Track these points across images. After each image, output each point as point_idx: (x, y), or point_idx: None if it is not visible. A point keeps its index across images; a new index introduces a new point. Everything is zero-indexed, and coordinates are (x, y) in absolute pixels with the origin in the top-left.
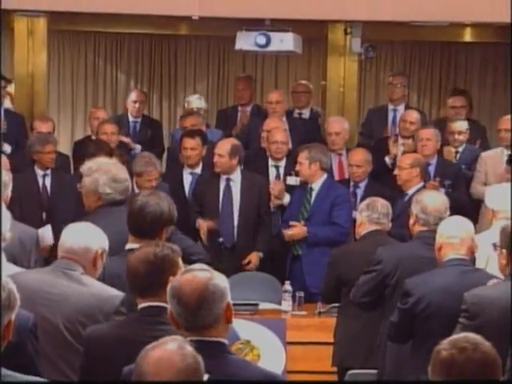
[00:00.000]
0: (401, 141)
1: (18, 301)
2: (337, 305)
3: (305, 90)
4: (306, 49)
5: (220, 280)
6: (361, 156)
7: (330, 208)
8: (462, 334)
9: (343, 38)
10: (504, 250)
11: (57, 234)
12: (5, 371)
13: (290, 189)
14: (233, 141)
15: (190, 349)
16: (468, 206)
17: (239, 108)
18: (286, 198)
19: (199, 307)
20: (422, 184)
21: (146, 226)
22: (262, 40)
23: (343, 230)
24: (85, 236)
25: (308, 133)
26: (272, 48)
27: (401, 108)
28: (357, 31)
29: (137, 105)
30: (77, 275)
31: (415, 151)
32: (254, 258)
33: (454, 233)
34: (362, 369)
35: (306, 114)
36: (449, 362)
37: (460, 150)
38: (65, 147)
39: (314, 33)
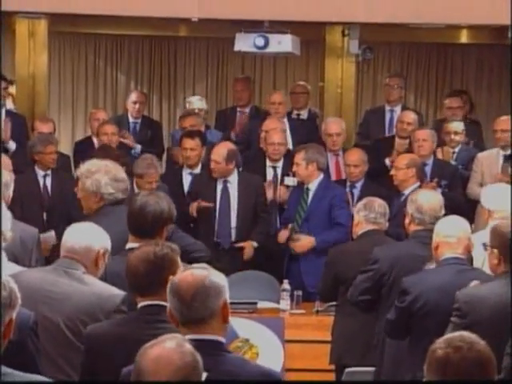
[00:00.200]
0: (397, 141)
1: (19, 299)
2: (334, 303)
3: (303, 91)
4: (304, 50)
5: (217, 278)
6: (357, 156)
7: (329, 208)
8: (458, 333)
9: (341, 40)
10: (495, 250)
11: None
12: (5, 369)
13: (287, 189)
14: (229, 145)
15: (188, 346)
16: (464, 206)
17: (238, 109)
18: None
19: (193, 299)
20: (418, 184)
21: (147, 225)
22: (260, 41)
23: (347, 229)
24: (87, 236)
25: (307, 134)
26: (270, 49)
27: (398, 109)
28: (354, 33)
29: (137, 106)
30: (78, 274)
31: (409, 151)
32: (248, 246)
33: (450, 232)
34: (360, 366)
35: (304, 114)
36: (444, 360)
37: (456, 150)
38: (65, 147)
39: (312, 34)
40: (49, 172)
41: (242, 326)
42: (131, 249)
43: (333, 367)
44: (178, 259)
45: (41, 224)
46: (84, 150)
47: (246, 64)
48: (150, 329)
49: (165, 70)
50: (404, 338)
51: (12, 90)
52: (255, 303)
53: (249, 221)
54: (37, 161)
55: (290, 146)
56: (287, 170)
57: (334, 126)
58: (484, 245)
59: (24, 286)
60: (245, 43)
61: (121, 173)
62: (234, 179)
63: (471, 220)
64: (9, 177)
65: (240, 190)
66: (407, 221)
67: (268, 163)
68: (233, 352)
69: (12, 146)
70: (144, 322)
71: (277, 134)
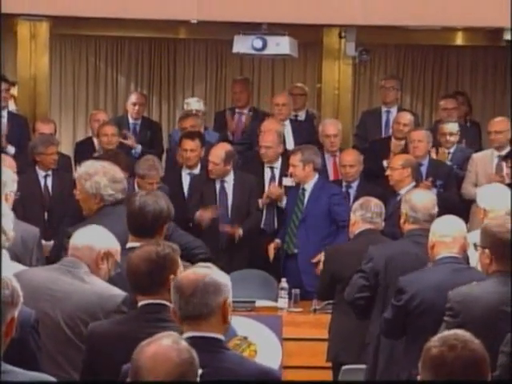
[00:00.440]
0: (393, 142)
1: (21, 298)
2: (331, 302)
3: (301, 93)
4: (302, 52)
5: (219, 276)
6: (353, 156)
7: (327, 207)
8: (452, 331)
9: (338, 42)
10: (487, 250)
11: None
12: (6, 367)
13: (285, 190)
14: (226, 147)
15: (184, 343)
16: (459, 206)
17: (236, 110)
18: (284, 201)
19: (192, 295)
20: (413, 184)
21: (147, 224)
22: (258, 44)
23: None
24: (90, 236)
25: (307, 135)
26: (269, 51)
27: (394, 110)
28: (351, 35)
29: (136, 107)
30: (80, 273)
31: (404, 152)
32: (236, 229)
33: (446, 231)
34: (356, 364)
35: (301, 115)
36: (438, 359)
37: (451, 150)
38: (66, 148)
39: (309, 37)
40: (50, 172)
41: (241, 324)
42: (132, 248)
43: (330, 365)
44: (179, 259)
45: (42, 224)
46: (84, 150)
47: (244, 66)
48: (151, 327)
49: (164, 71)
50: (400, 337)
51: (14, 91)
52: (253, 302)
53: (242, 219)
54: (38, 161)
55: (280, 148)
56: (285, 171)
57: (331, 127)
58: (475, 245)
59: (27, 284)
60: (243, 45)
61: (118, 173)
62: (230, 179)
63: (466, 219)
64: (11, 177)
65: (235, 189)
66: (402, 220)
67: (266, 164)
68: (232, 349)
69: (11, 150)
70: (144, 321)
71: (268, 135)
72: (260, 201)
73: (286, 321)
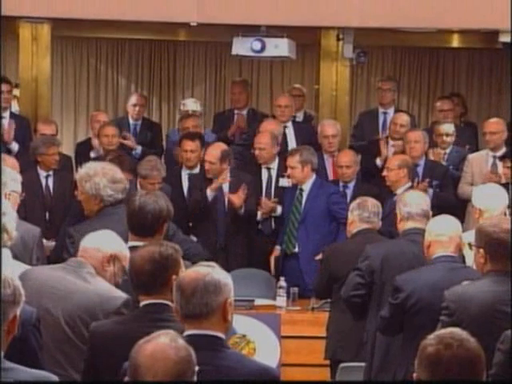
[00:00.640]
0: (391, 142)
1: (22, 296)
2: (329, 300)
3: (298, 94)
4: (300, 54)
5: (220, 275)
6: (349, 157)
7: (326, 206)
8: (448, 330)
9: (335, 44)
10: (481, 250)
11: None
12: (8, 364)
13: (282, 190)
14: (222, 146)
15: (181, 341)
16: (455, 206)
17: (235, 111)
18: (278, 210)
19: (193, 294)
20: (409, 184)
21: (147, 224)
22: (257, 46)
23: None
24: (98, 238)
25: (309, 136)
26: (267, 53)
27: (391, 111)
28: (349, 37)
29: (137, 108)
30: (84, 273)
31: (403, 152)
32: (236, 197)
33: (442, 231)
34: (354, 361)
35: (299, 117)
36: (435, 357)
37: (447, 151)
38: (67, 149)
39: (307, 39)
40: (51, 173)
41: (240, 322)
42: (133, 247)
43: (327, 362)
44: (181, 259)
45: (43, 223)
46: (85, 151)
47: (243, 67)
48: (153, 327)
49: (164, 73)
50: (396, 335)
51: (17, 93)
52: (252, 300)
53: (238, 219)
54: (39, 162)
55: (274, 150)
56: (282, 171)
57: (329, 128)
58: (469, 244)
59: (33, 281)
60: (242, 47)
61: (118, 173)
62: (226, 178)
63: (462, 219)
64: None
65: (232, 188)
66: (398, 220)
67: (262, 165)
68: (231, 347)
69: (15, 147)
70: (146, 321)
71: (262, 137)
72: (259, 214)
73: (284, 319)
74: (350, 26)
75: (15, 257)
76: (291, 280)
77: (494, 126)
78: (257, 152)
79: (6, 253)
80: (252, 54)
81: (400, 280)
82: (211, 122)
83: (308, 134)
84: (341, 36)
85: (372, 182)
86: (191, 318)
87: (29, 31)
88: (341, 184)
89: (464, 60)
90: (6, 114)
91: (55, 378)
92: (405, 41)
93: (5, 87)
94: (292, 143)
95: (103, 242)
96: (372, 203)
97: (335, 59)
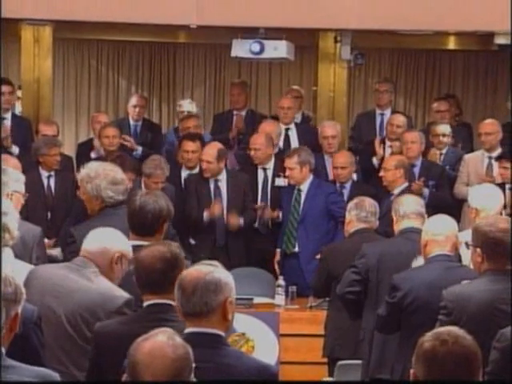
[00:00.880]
0: (388, 143)
1: (24, 295)
2: (327, 299)
3: (297, 95)
4: (298, 56)
5: (221, 275)
6: (344, 158)
7: (324, 205)
8: (446, 328)
9: (333, 46)
10: (478, 249)
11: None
12: (10, 362)
13: (279, 190)
14: (218, 145)
15: (179, 339)
16: (451, 206)
17: (234, 112)
18: (280, 216)
19: (193, 293)
20: (406, 184)
21: (147, 223)
22: (256, 47)
23: None
24: (104, 239)
25: (312, 137)
26: (266, 55)
27: (388, 112)
28: (346, 39)
29: (137, 109)
30: (88, 272)
31: (399, 153)
32: (236, 219)
33: (438, 230)
34: (351, 359)
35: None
36: (430, 353)
37: (444, 151)
38: (69, 149)
39: (305, 41)
40: (52, 173)
41: (239, 320)
42: (134, 246)
43: (325, 360)
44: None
45: (45, 223)
46: (86, 151)
47: (242, 69)
48: (157, 327)
49: (164, 74)
50: (393, 333)
51: (20, 94)
52: (251, 299)
53: (239, 215)
54: (41, 162)
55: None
56: (277, 172)
57: (329, 128)
58: (466, 244)
59: (37, 280)
60: (241, 49)
61: (119, 174)
62: (223, 177)
63: (458, 219)
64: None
65: (229, 187)
66: (394, 220)
67: (258, 165)
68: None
69: (15, 150)
70: (151, 321)
71: (257, 138)
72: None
73: (282, 317)
74: (348, 28)
75: (15, 256)
76: (291, 279)
77: (490, 126)
78: (252, 152)
79: (9, 252)
80: (251, 55)
81: (397, 279)
82: (211, 122)
83: (311, 135)
84: (338, 38)
85: (371, 182)
86: (191, 316)
87: (31, 33)
88: (337, 184)
89: (460, 62)
90: (8, 116)
91: (56, 375)
92: (402, 43)
93: (5, 88)
94: (295, 144)
95: (109, 242)
96: (369, 203)
97: (333, 61)
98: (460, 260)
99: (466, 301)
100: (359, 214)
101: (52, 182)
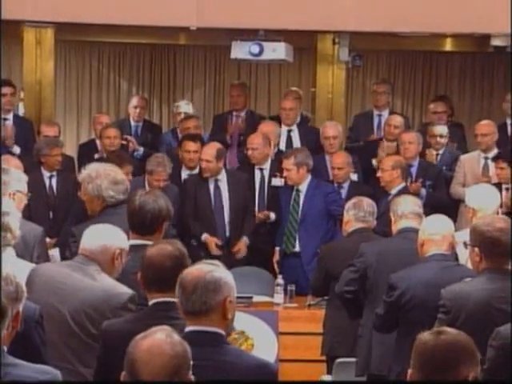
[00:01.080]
0: (385, 144)
1: (24, 293)
2: (326, 298)
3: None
4: (297, 57)
5: (221, 274)
6: (341, 159)
7: (324, 205)
8: (441, 328)
9: (331, 48)
10: (476, 248)
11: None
12: (12, 359)
13: (275, 190)
14: (217, 145)
15: (177, 337)
16: (448, 206)
17: (234, 113)
18: (272, 216)
19: (193, 292)
20: (403, 184)
21: (146, 222)
22: (255, 49)
23: None
24: (103, 237)
25: (314, 138)
26: (265, 57)
27: (385, 113)
28: (344, 41)
29: (137, 110)
30: (91, 270)
31: (397, 153)
32: (243, 245)
33: (435, 230)
34: (349, 357)
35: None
36: (423, 344)
37: (441, 152)
38: (70, 150)
39: (304, 42)
40: (54, 173)
41: (238, 319)
42: (134, 246)
43: (324, 358)
44: None
45: (47, 222)
46: (87, 152)
47: (241, 70)
48: (163, 324)
49: (165, 76)
50: (391, 331)
51: (22, 95)
52: (251, 297)
53: (240, 215)
54: (43, 162)
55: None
56: (274, 172)
57: (330, 129)
58: (464, 243)
59: (40, 278)
60: (241, 51)
61: (119, 175)
62: (223, 177)
63: (454, 219)
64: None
65: (230, 186)
66: (392, 220)
67: (255, 165)
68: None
69: (16, 150)
70: (157, 318)
71: (254, 138)
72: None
73: (281, 316)
74: (346, 30)
75: (17, 255)
76: (291, 278)
77: (486, 127)
78: (249, 152)
79: (11, 251)
80: (250, 57)
81: (394, 278)
82: (210, 124)
83: (312, 136)
84: (337, 40)
85: (370, 182)
86: (191, 315)
87: (33, 35)
88: (335, 185)
89: (457, 63)
90: (10, 117)
91: (57, 372)
92: (399, 45)
93: (6, 90)
94: (297, 145)
95: (108, 240)
96: (367, 203)
97: (331, 62)
98: (457, 259)
99: (464, 299)
100: (357, 213)
101: (54, 182)
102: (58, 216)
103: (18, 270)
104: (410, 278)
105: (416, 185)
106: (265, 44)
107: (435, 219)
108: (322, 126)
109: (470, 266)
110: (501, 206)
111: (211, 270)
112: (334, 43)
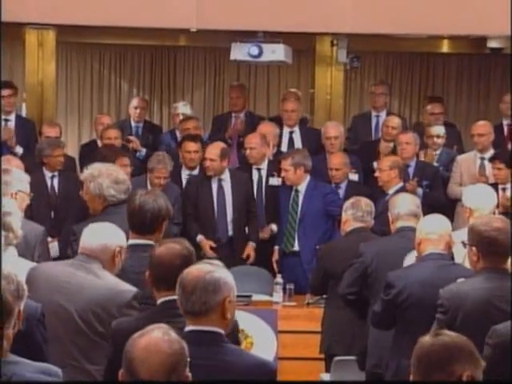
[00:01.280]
0: (383, 144)
1: (26, 291)
2: (324, 296)
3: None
4: (296, 59)
5: (221, 274)
6: (338, 160)
7: (322, 205)
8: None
9: (330, 50)
10: (474, 248)
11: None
12: (14, 357)
13: (273, 189)
14: (221, 144)
15: (174, 335)
16: (444, 205)
17: (233, 114)
18: (274, 228)
19: (192, 292)
20: (401, 184)
21: (146, 222)
22: (254, 51)
23: None
24: (103, 235)
25: (315, 139)
26: (264, 58)
27: (383, 114)
28: (343, 43)
29: (138, 110)
30: (94, 268)
31: (393, 153)
32: (251, 250)
33: (432, 229)
34: (347, 355)
35: None
36: (420, 344)
37: (438, 152)
38: (72, 150)
39: (303, 44)
40: (56, 173)
41: (238, 317)
42: (134, 245)
43: (322, 356)
44: None
45: (49, 222)
46: (89, 152)
47: (241, 72)
48: (171, 322)
49: (165, 77)
50: (389, 328)
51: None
52: (250, 296)
53: (243, 213)
54: (45, 163)
55: (265, 151)
56: (271, 172)
57: (332, 129)
58: (463, 243)
59: (43, 277)
60: (240, 52)
61: (121, 174)
62: (226, 176)
63: (451, 218)
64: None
65: (233, 185)
66: (390, 220)
67: (253, 166)
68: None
69: (19, 150)
70: (167, 317)
71: (252, 138)
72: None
73: (280, 314)
74: (344, 32)
75: (18, 254)
76: (290, 277)
77: (482, 128)
78: (247, 152)
79: (13, 251)
80: (249, 58)
81: (392, 276)
82: (210, 124)
83: (313, 137)
84: (335, 42)
85: (370, 182)
86: (191, 315)
87: (35, 37)
88: (333, 185)
89: (453, 65)
90: (12, 118)
91: (58, 370)
92: (397, 46)
93: (7, 91)
94: (299, 147)
95: (108, 238)
96: (365, 203)
97: (329, 64)
98: (453, 258)
99: (463, 299)
100: (355, 213)
101: (55, 182)
102: (60, 216)
103: (19, 269)
104: (407, 277)
105: (413, 185)
106: (264, 46)
107: (432, 219)
108: (324, 126)
109: (466, 264)
110: (497, 207)
111: (211, 270)
112: (332, 45)
